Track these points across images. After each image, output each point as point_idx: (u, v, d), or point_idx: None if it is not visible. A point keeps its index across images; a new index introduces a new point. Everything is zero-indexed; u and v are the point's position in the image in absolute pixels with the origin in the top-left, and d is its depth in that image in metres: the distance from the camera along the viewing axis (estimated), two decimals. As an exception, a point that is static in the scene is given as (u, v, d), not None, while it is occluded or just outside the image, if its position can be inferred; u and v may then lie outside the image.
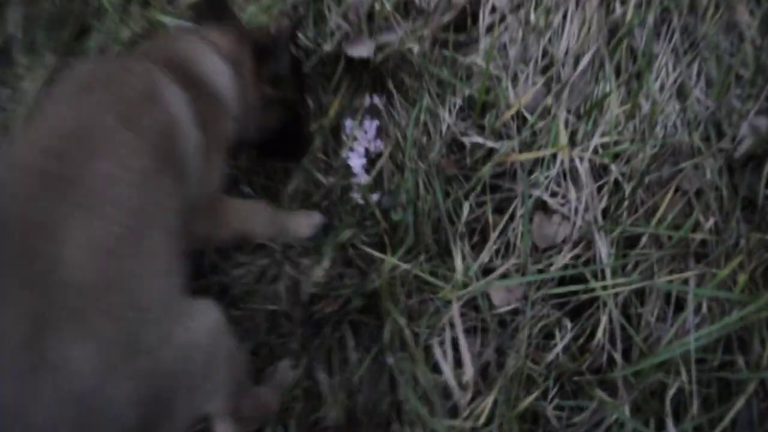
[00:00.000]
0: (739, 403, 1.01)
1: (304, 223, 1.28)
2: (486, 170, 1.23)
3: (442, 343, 1.13)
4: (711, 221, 1.13)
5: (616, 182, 1.18)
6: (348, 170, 1.40)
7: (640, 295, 1.14)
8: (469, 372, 1.03)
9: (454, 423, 1.08)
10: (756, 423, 1.04)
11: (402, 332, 1.16)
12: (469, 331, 1.17)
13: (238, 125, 1.12)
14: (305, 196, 1.36)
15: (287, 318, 1.26)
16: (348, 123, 1.43)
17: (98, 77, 0.95)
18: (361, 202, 1.34)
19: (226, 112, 1.08)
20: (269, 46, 1.15)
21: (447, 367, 1.08)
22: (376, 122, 1.44)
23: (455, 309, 1.10)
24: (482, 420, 1.07)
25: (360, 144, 1.42)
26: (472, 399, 1.11)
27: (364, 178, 1.38)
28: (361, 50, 1.40)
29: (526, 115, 1.26)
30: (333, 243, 1.27)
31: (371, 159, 1.41)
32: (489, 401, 1.08)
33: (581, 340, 1.13)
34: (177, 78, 0.97)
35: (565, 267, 1.14)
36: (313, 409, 1.20)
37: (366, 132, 1.44)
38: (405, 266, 1.18)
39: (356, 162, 1.40)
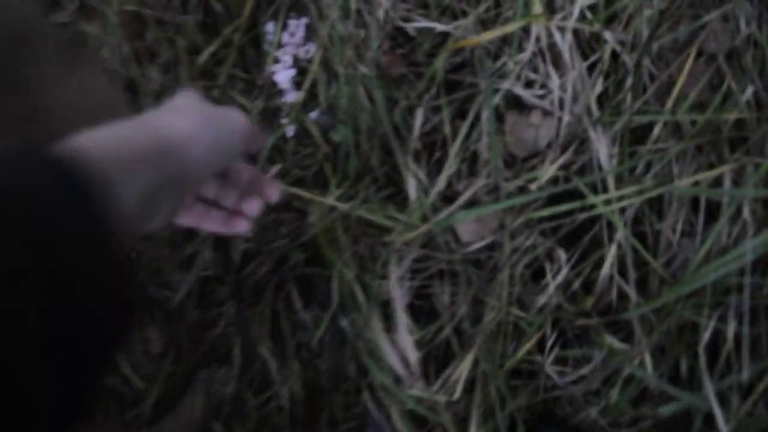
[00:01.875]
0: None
1: None
2: (439, 62, 0.92)
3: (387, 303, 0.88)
4: (749, 91, 0.80)
5: (614, 55, 0.85)
6: (275, 88, 1.10)
7: (657, 205, 0.85)
8: (412, 356, 0.78)
9: (423, 395, 0.85)
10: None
11: (352, 286, 0.92)
12: (434, 277, 0.91)
13: None
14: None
15: (221, 283, 1.03)
16: (269, 26, 1.12)
17: None
18: (290, 126, 1.05)
19: None
20: None
21: (403, 333, 0.83)
22: (304, 20, 1.12)
23: (406, 262, 0.83)
24: (458, 392, 0.83)
25: (286, 52, 1.12)
26: (446, 365, 0.87)
27: (294, 95, 1.08)
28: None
29: (483, -22, 0.92)
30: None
31: (302, 69, 1.10)
32: (464, 368, 0.83)
33: (582, 274, 0.86)
34: None
35: (554, 181, 0.85)
36: (265, 388, 1.00)
37: (293, 35, 1.12)
38: (343, 206, 0.91)
39: (283, 75, 1.10)
